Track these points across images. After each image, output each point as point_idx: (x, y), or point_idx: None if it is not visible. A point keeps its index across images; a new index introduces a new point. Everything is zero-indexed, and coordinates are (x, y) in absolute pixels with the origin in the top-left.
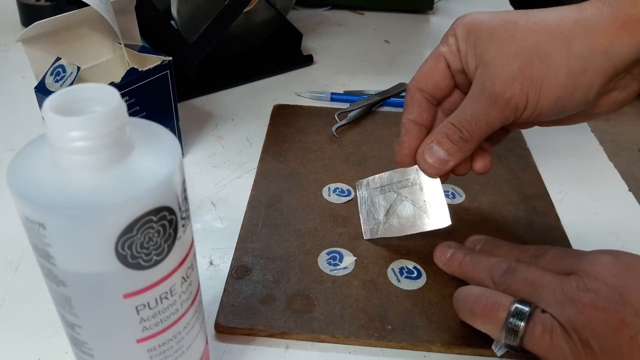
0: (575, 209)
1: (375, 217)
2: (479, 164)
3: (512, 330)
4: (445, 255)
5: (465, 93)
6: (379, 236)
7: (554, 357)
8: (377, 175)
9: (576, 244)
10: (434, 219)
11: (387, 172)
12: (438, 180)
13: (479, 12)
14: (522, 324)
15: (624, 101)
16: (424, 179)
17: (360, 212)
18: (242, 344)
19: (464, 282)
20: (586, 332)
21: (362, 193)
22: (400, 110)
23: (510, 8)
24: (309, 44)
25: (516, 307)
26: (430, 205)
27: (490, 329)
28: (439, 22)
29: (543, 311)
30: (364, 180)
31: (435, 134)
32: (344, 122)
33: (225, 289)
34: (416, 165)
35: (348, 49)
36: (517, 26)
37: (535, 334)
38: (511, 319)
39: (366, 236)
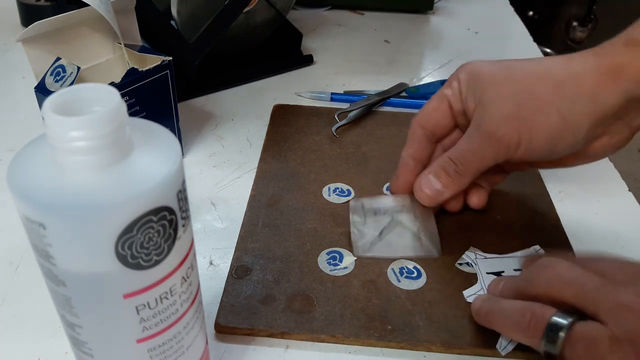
0: (575, 209)
1: (368, 236)
2: (475, 199)
3: (551, 341)
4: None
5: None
6: (370, 255)
7: None
8: (372, 198)
9: (576, 244)
10: (426, 247)
11: (383, 197)
12: (432, 212)
13: (482, 61)
14: (562, 335)
15: (616, 145)
16: (418, 208)
17: (352, 230)
18: (242, 344)
19: (464, 285)
20: None
21: (355, 212)
22: (400, 110)
23: (511, 8)
24: (309, 44)
25: (553, 320)
26: (424, 233)
27: (529, 341)
28: (439, 22)
29: (588, 317)
30: (359, 202)
31: (433, 166)
32: (344, 122)
33: (225, 289)
34: (410, 195)
35: (348, 49)
36: (513, 71)
37: (576, 349)
38: (549, 331)
39: (356, 252)
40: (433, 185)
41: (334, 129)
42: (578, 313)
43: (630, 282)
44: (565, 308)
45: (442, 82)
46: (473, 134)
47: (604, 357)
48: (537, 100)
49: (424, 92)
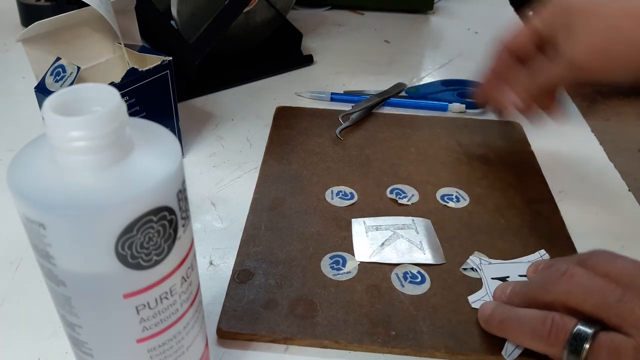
0: (575, 209)
1: (370, 245)
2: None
3: (574, 352)
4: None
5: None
6: (372, 261)
7: None
8: (374, 218)
9: (577, 244)
10: (429, 255)
11: (383, 217)
12: (433, 229)
13: None
14: (586, 345)
15: None
16: (419, 224)
17: (354, 241)
18: (242, 347)
19: (469, 290)
20: None
21: (357, 227)
22: (402, 112)
23: (511, 8)
24: (309, 44)
25: (578, 329)
26: (426, 245)
27: (550, 350)
28: (439, 22)
29: (609, 328)
30: (360, 219)
31: (519, 84)
32: (347, 124)
33: (227, 294)
34: (411, 218)
35: (348, 49)
36: (604, 7)
37: (599, 357)
38: (573, 341)
39: (358, 258)
40: (516, 101)
41: (337, 131)
42: (598, 323)
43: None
44: (581, 317)
45: (442, 82)
46: (559, 59)
47: None
48: (623, 36)
49: (424, 92)
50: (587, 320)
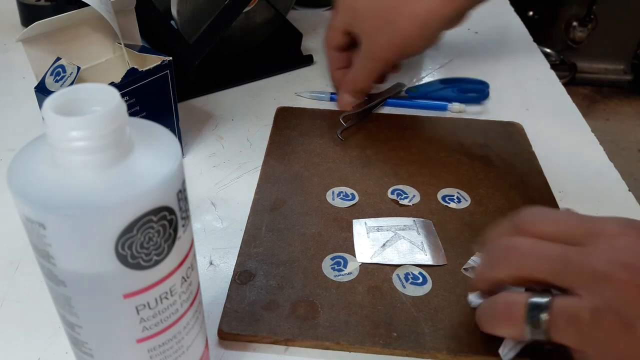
0: (575, 209)
1: (371, 246)
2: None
3: (535, 325)
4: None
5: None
6: (373, 262)
7: (586, 348)
8: (375, 219)
9: None
10: (430, 256)
11: (384, 218)
12: (434, 230)
13: None
14: (544, 316)
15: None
16: (420, 225)
17: (355, 242)
18: (242, 348)
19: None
20: (629, 312)
21: (358, 228)
22: (402, 112)
23: (511, 8)
24: (309, 44)
25: (531, 302)
26: (427, 246)
27: (513, 330)
28: None
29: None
30: (361, 219)
31: (343, 85)
32: (348, 124)
33: (228, 295)
34: (413, 218)
35: None
36: (381, 4)
37: (559, 327)
38: (530, 314)
39: (359, 259)
40: (347, 100)
41: (338, 132)
42: (549, 290)
43: (589, 241)
44: (531, 287)
45: (442, 82)
46: (363, 58)
47: (587, 330)
48: (405, 35)
49: (424, 92)
50: (543, 289)
